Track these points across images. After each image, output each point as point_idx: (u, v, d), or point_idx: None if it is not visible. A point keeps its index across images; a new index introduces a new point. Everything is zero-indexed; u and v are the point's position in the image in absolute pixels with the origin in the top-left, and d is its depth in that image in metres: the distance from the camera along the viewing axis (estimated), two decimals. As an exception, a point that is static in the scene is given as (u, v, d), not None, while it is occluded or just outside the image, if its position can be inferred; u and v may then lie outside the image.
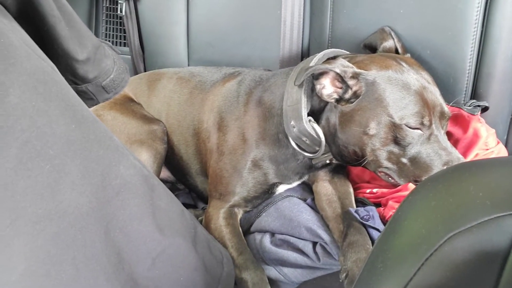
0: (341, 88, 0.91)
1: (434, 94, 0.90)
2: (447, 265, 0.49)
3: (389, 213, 0.94)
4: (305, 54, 1.36)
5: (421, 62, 1.01)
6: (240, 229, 1.07)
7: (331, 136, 0.96)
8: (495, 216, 0.49)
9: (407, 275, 0.50)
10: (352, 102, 0.90)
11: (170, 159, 1.27)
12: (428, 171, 0.87)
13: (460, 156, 0.88)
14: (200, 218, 1.15)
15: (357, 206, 1.03)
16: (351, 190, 1.07)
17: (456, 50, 1.03)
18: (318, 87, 0.92)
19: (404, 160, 0.89)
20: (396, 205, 0.92)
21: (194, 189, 1.29)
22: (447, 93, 1.05)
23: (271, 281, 0.99)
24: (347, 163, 0.99)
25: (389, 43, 1.05)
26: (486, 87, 1.04)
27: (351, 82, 0.89)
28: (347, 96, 0.91)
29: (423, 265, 0.50)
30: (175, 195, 0.85)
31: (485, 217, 0.49)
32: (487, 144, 0.97)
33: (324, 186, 1.08)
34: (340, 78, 0.89)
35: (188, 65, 1.51)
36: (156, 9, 1.51)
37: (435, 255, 0.49)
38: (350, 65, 0.90)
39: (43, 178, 0.55)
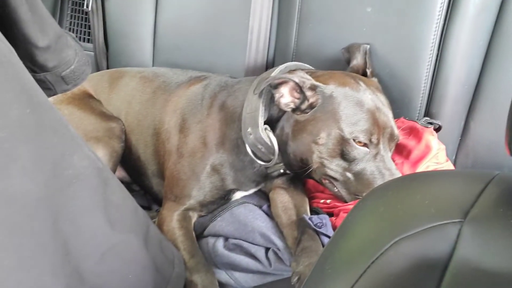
0: (298, 98, 0.93)
1: (387, 115, 0.94)
2: (391, 269, 0.50)
3: (340, 223, 0.96)
4: (270, 65, 1.38)
5: (379, 80, 1.05)
6: (193, 233, 1.06)
7: (283, 144, 0.98)
8: (439, 224, 0.51)
9: (353, 276, 0.51)
10: (307, 113, 0.93)
11: (127, 159, 1.25)
12: (370, 188, 0.90)
13: None
14: (153, 220, 1.13)
15: (311, 215, 1.04)
16: (307, 198, 1.09)
17: (413, 71, 1.08)
18: (276, 95, 0.94)
19: (349, 174, 0.93)
20: (348, 216, 0.94)
21: (150, 190, 1.27)
22: (402, 111, 1.09)
23: (222, 285, 0.98)
24: (294, 171, 1.02)
25: (359, 61, 1.07)
26: (439, 108, 1.09)
27: (308, 93, 0.92)
28: (303, 106, 0.93)
29: (369, 267, 0.51)
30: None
31: (429, 224, 0.52)
32: (438, 157, 1.02)
33: (280, 194, 1.09)
34: (299, 88, 0.92)
35: (153, 66, 1.49)
36: (124, 7, 1.50)
37: (381, 259, 0.50)
38: (309, 77, 0.94)
39: None
